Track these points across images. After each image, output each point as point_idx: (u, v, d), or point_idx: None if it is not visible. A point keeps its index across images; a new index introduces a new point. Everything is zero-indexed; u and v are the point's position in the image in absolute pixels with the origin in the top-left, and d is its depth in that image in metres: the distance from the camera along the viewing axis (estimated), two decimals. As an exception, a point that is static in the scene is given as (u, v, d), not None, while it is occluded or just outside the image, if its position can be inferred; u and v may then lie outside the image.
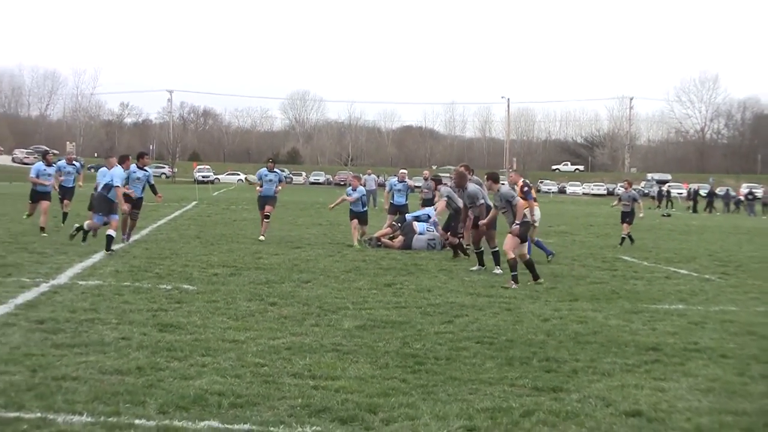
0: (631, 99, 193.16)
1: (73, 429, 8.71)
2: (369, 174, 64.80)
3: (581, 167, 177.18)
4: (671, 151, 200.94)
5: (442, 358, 12.85)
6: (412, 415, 9.78)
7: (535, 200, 26.41)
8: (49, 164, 32.36)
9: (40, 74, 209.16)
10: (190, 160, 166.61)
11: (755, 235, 48.60)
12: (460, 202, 26.07)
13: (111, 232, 24.66)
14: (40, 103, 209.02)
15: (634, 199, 34.93)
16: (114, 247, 24.54)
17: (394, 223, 31.08)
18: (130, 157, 28.34)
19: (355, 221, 30.96)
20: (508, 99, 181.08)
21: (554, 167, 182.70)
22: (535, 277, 21.29)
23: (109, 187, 25.16)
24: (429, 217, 30.80)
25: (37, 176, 31.23)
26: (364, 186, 42.16)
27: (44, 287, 17.76)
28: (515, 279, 20.45)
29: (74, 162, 35.27)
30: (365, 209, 31.35)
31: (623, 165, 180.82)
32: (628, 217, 34.61)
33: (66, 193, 34.16)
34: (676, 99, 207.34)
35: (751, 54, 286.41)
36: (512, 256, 20.62)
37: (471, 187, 22.43)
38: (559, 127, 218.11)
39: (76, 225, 26.56)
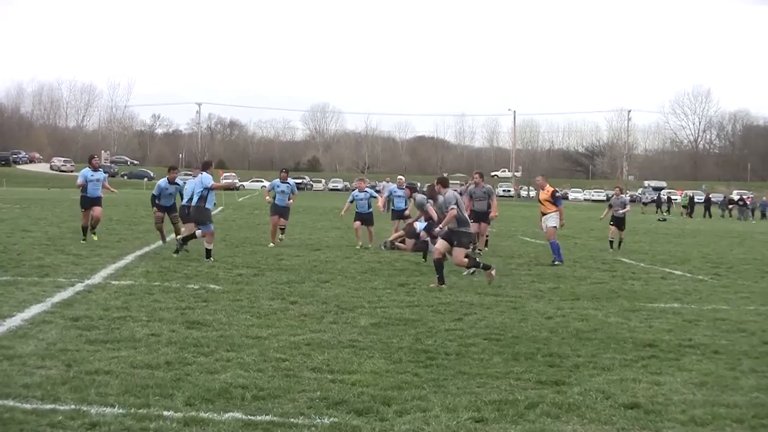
0: (629, 111, 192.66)
1: (105, 420, 8.68)
2: (387, 181, 64.35)
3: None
4: (667, 160, 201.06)
5: (452, 353, 12.81)
6: (423, 407, 9.74)
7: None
8: (95, 169, 29.49)
9: (78, 87, 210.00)
10: (217, 168, 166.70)
11: (745, 238, 48.55)
12: (434, 213, 25.43)
13: (208, 246, 23.95)
14: (77, 115, 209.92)
15: (624, 204, 34.65)
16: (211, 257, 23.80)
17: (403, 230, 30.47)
18: (211, 163, 27.78)
19: (358, 223, 30.42)
20: (515, 111, 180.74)
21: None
22: (441, 281, 20.24)
23: (204, 197, 24.17)
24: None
25: (85, 182, 28.56)
26: (381, 192, 42.12)
27: (79, 287, 17.75)
28: (441, 280, 20.16)
29: (100, 169, 31.62)
30: (370, 210, 30.76)
31: (622, 173, 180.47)
32: (621, 223, 34.12)
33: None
34: (671, 111, 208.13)
35: (742, 69, 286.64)
36: (438, 256, 20.36)
37: (448, 193, 21.30)
38: (561, 137, 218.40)
39: (179, 238, 25.64)
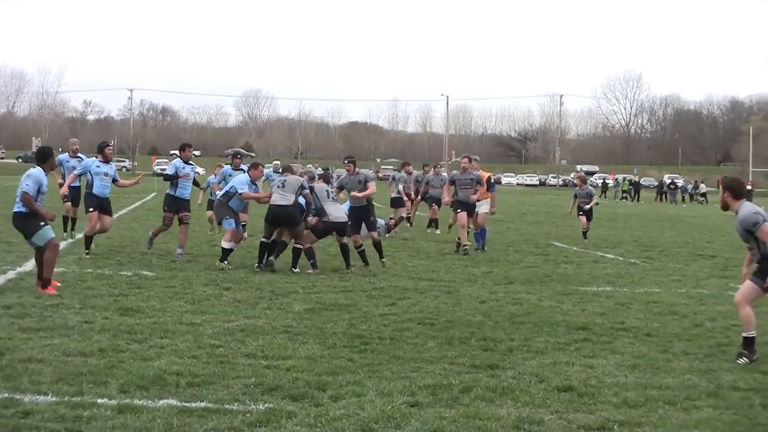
0: (561, 96, 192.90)
1: (38, 408, 8.63)
2: (316, 167, 64.03)
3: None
4: (599, 145, 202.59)
5: (387, 338, 12.85)
6: (358, 392, 9.76)
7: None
8: (106, 160, 22.30)
9: (8, 73, 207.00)
10: (149, 154, 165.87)
11: (676, 221, 49.03)
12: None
13: (224, 243, 20.98)
14: (7, 101, 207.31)
15: (591, 195, 34.13)
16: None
17: None
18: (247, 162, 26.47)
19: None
20: (447, 96, 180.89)
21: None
22: (348, 265, 20.35)
23: (229, 195, 21.20)
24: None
25: (90, 175, 21.86)
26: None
27: (11, 274, 17.66)
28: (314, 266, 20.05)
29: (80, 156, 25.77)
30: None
31: (554, 158, 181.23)
32: (590, 213, 32.73)
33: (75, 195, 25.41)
34: (602, 96, 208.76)
35: (672, 54, 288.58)
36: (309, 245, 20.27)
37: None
38: (494, 122, 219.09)
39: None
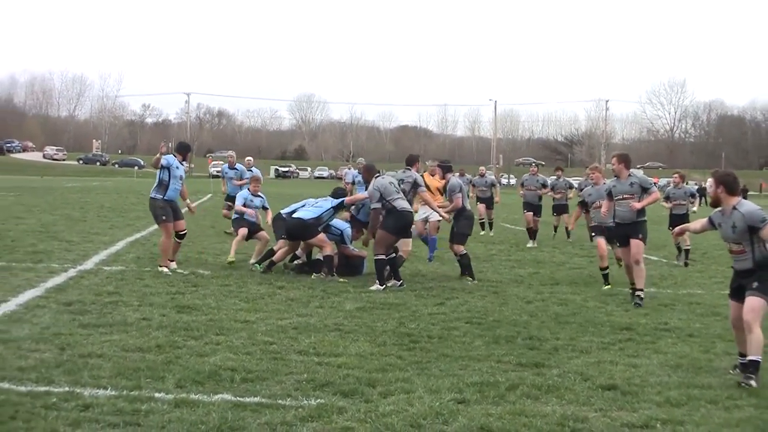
0: (607, 101, 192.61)
1: (98, 402, 8.69)
2: (349, 168, 63.05)
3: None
4: (644, 149, 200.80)
5: (435, 336, 12.85)
6: (407, 388, 9.77)
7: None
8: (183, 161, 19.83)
9: (69, 78, 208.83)
10: (206, 156, 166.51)
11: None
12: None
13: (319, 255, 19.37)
14: (68, 105, 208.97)
15: (570, 186, 33.74)
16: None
17: None
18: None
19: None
20: (495, 101, 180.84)
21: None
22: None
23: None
24: None
25: (168, 175, 19.23)
26: (341, 179, 40.98)
27: (72, 272, 17.74)
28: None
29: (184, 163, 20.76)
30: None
31: (599, 161, 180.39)
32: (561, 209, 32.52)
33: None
34: (647, 101, 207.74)
35: (716, 60, 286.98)
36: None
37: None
38: (541, 127, 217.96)
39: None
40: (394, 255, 18.01)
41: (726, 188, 11.00)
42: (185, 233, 19.58)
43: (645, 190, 16.81)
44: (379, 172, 18.26)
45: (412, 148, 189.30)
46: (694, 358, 11.93)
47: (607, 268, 19.04)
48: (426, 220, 21.85)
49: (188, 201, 19.73)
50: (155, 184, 19.04)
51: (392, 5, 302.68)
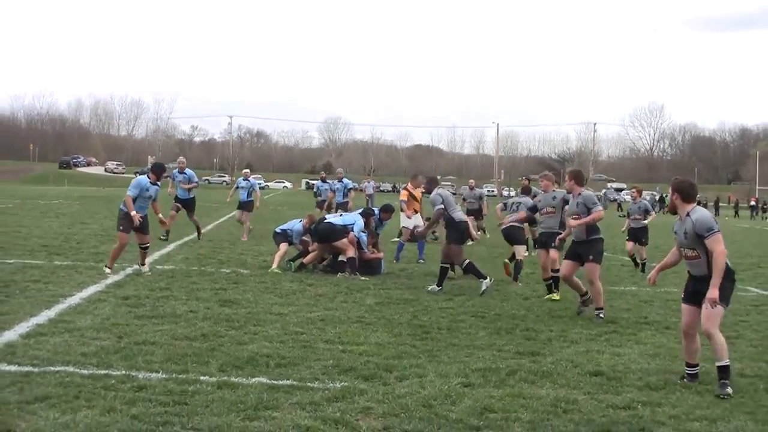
0: (595, 124, 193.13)
1: (150, 384, 8.70)
2: (369, 181, 63.00)
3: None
4: (626, 166, 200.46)
5: (444, 328, 12.82)
6: (420, 373, 9.75)
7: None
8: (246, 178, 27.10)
9: (128, 101, 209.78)
10: (244, 170, 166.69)
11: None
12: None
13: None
14: (127, 125, 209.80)
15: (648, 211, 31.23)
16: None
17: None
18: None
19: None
20: (498, 123, 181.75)
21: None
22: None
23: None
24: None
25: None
26: (363, 192, 40.62)
27: (129, 270, 17.77)
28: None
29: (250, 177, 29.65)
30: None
31: (589, 175, 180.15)
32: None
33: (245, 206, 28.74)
34: (630, 124, 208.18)
35: (690, 87, 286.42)
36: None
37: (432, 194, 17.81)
38: (537, 146, 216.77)
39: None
40: (448, 265, 17.54)
41: (681, 195, 10.08)
42: (148, 246, 18.15)
43: (589, 210, 14.72)
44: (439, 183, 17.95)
45: (425, 164, 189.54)
46: (671, 348, 11.87)
47: (549, 279, 16.79)
48: (414, 227, 21.91)
49: (160, 215, 18.96)
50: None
51: (410, 41, 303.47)
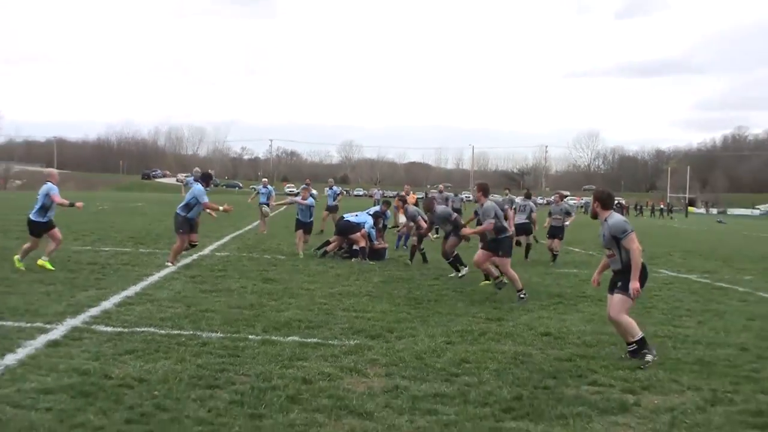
0: (546, 146, 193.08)
1: (211, 341, 8.75)
2: (377, 189, 63.11)
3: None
4: (570, 178, 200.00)
5: (432, 300, 12.85)
6: (413, 334, 9.79)
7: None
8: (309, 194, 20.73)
9: (194, 128, 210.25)
10: (282, 181, 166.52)
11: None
12: (423, 224, 19.07)
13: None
14: (193, 147, 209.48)
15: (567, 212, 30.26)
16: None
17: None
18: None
19: (300, 232, 20.15)
20: (473, 146, 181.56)
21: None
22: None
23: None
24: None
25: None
26: (372, 197, 40.49)
27: (195, 257, 17.81)
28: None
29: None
30: (311, 220, 20.68)
31: (541, 186, 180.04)
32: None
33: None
34: (573, 146, 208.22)
35: (619, 117, 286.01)
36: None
37: (439, 209, 17.31)
38: (503, 163, 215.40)
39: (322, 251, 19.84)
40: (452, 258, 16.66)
41: (600, 203, 9.33)
42: (197, 244, 16.91)
43: (480, 222, 14.11)
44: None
45: (418, 177, 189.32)
46: (602, 316, 11.80)
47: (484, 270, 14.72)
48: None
49: (214, 214, 18.35)
50: (183, 204, 16.47)
51: (408, 83, 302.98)
